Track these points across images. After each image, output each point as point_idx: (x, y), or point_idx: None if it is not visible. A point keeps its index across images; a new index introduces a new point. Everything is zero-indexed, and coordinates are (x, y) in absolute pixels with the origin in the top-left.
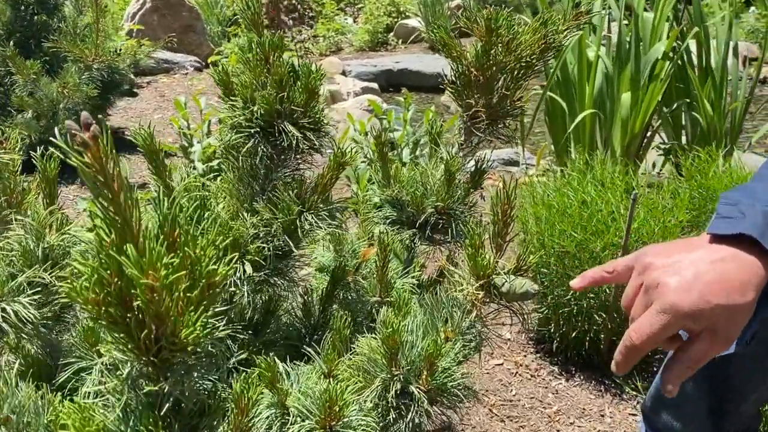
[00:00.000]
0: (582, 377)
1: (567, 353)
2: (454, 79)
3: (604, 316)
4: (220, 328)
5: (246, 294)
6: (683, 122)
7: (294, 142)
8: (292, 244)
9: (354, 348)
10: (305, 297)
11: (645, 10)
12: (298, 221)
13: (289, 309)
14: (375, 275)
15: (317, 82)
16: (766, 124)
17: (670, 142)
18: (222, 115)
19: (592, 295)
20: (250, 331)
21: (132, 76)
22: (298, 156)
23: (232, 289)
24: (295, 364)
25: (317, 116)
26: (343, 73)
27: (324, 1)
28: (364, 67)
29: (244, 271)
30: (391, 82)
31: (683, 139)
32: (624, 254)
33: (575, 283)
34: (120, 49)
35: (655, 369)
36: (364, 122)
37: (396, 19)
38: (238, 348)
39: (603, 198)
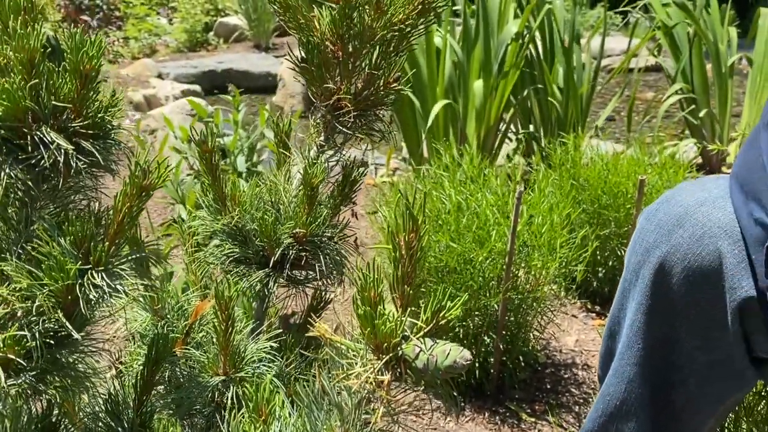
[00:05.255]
0: (473, 409)
1: (454, 382)
2: (303, 56)
3: (494, 336)
4: None
5: None
6: (531, 109)
7: (62, 158)
8: (71, 327)
9: None
10: (113, 384)
11: None
12: (78, 288)
13: (91, 408)
14: (215, 340)
15: (95, 60)
16: (607, 107)
17: (523, 131)
18: None
19: (477, 313)
20: None
21: None
22: (72, 180)
23: None
24: None
25: (99, 115)
26: (160, 76)
27: (133, 1)
28: (184, 68)
29: None
30: (215, 84)
31: (530, 126)
32: (510, 261)
33: None
34: None
35: (561, 389)
36: (186, 128)
37: (215, 18)
38: None
39: (480, 199)
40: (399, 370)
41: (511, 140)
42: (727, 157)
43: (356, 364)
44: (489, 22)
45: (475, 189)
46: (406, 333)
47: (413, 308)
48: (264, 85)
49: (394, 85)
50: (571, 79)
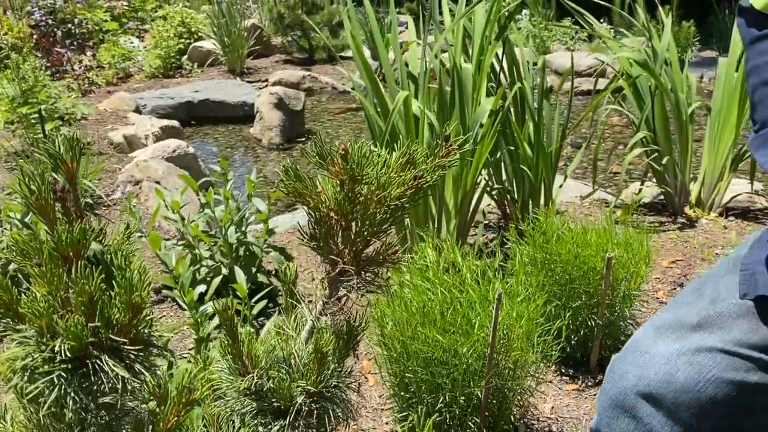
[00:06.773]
0: None
1: None
2: (312, 230)
3: (477, 420)
4: None
5: None
6: (505, 166)
7: (121, 384)
8: None
9: None
10: None
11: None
12: None
13: None
14: None
15: (144, 296)
16: (578, 152)
17: (497, 186)
18: (4, 355)
19: (463, 398)
20: None
21: None
22: (125, 394)
23: None
24: None
25: (145, 331)
26: (137, 110)
27: (104, 20)
28: (161, 99)
29: None
30: (192, 115)
31: (503, 176)
32: (491, 353)
33: None
34: None
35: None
36: (178, 202)
37: (189, 41)
38: None
39: (460, 288)
40: None
41: (488, 193)
42: (689, 198)
43: None
44: (463, 91)
45: (456, 280)
46: None
47: None
48: (241, 115)
49: (393, 255)
50: (539, 143)
